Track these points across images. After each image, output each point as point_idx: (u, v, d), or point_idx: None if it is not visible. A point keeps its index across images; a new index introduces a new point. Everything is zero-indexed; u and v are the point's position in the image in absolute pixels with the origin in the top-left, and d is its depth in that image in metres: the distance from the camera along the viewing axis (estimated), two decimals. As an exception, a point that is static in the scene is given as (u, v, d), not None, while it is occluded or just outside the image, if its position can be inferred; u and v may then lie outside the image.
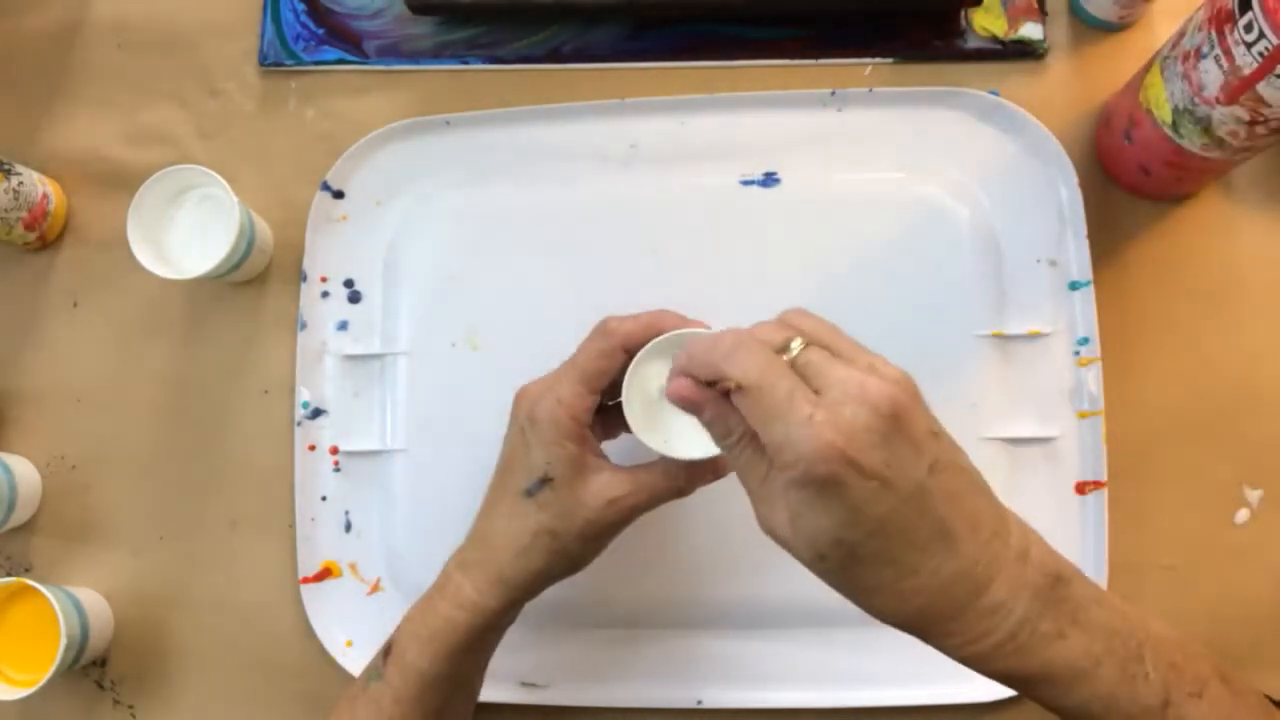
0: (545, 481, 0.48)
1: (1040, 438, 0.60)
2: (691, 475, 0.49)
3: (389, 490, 0.63)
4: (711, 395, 0.39)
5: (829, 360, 0.37)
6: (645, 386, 0.48)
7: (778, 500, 0.37)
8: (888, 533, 0.35)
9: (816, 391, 0.36)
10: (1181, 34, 0.53)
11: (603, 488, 0.47)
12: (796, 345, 0.38)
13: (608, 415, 0.51)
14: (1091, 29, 0.66)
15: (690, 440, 0.47)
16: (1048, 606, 0.37)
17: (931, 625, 0.37)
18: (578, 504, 0.47)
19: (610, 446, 0.52)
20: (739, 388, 0.37)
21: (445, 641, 0.49)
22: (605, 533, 0.48)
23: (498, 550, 0.49)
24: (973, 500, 0.37)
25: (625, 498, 0.47)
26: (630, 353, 0.48)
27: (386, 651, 0.50)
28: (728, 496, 0.58)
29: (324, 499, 0.63)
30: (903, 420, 0.35)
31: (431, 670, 0.49)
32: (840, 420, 0.34)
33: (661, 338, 0.47)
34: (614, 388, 0.48)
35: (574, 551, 0.48)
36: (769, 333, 0.39)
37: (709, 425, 0.40)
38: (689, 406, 0.40)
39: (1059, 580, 0.37)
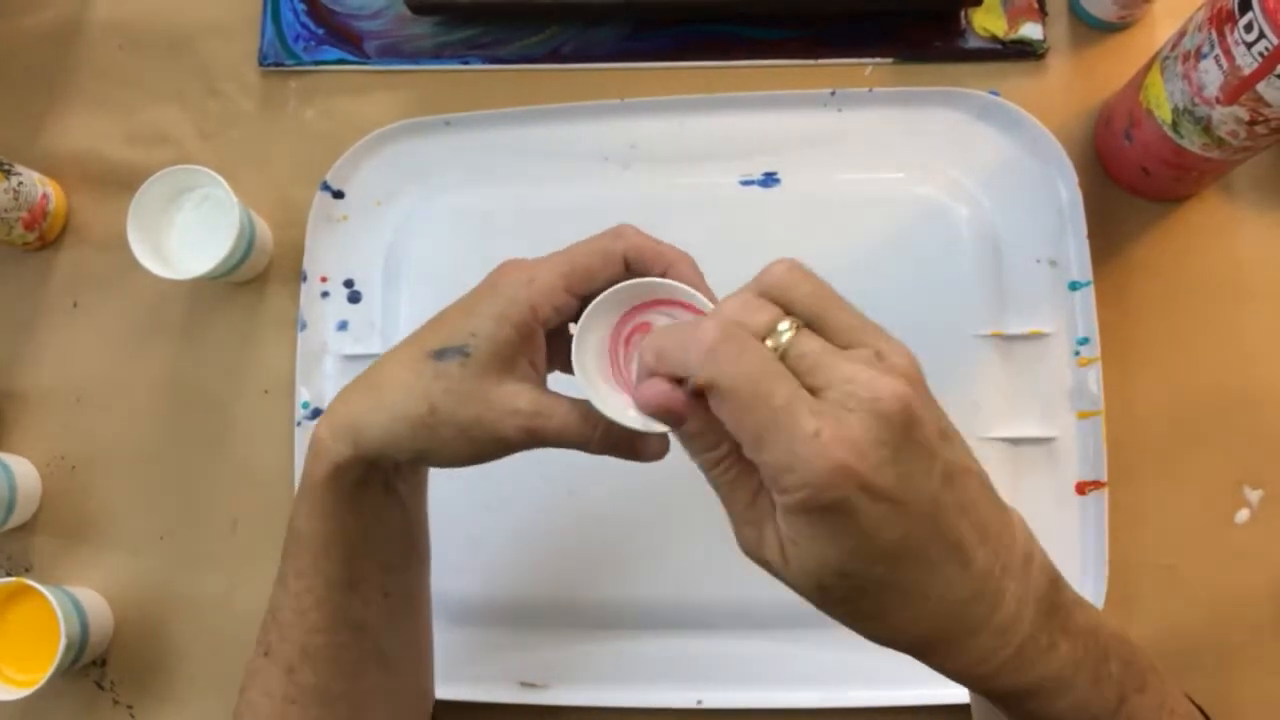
0: (458, 351, 0.40)
1: (1040, 438, 0.60)
2: (607, 436, 0.40)
3: (389, 490, 0.63)
4: (697, 405, 0.32)
5: (827, 351, 0.31)
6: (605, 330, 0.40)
7: (767, 524, 0.32)
8: (898, 558, 0.31)
9: (814, 390, 0.31)
10: (1181, 34, 0.53)
11: (513, 394, 0.40)
12: (785, 331, 0.32)
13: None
14: (1091, 29, 0.66)
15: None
16: (1045, 616, 0.33)
17: (936, 649, 0.33)
18: (477, 394, 0.40)
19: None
20: (718, 392, 0.31)
21: (308, 496, 0.43)
22: (489, 445, 0.40)
23: (368, 395, 0.42)
24: (983, 504, 0.33)
25: (530, 417, 0.39)
26: (630, 269, 0.40)
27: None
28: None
29: (324, 499, 0.63)
30: (914, 425, 0.30)
31: (308, 528, 0.43)
32: (850, 434, 0.29)
33: (648, 280, 0.39)
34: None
35: (443, 439, 0.40)
36: (751, 312, 0.32)
37: (690, 440, 0.33)
38: (668, 418, 0.33)
39: (1054, 584, 0.34)
